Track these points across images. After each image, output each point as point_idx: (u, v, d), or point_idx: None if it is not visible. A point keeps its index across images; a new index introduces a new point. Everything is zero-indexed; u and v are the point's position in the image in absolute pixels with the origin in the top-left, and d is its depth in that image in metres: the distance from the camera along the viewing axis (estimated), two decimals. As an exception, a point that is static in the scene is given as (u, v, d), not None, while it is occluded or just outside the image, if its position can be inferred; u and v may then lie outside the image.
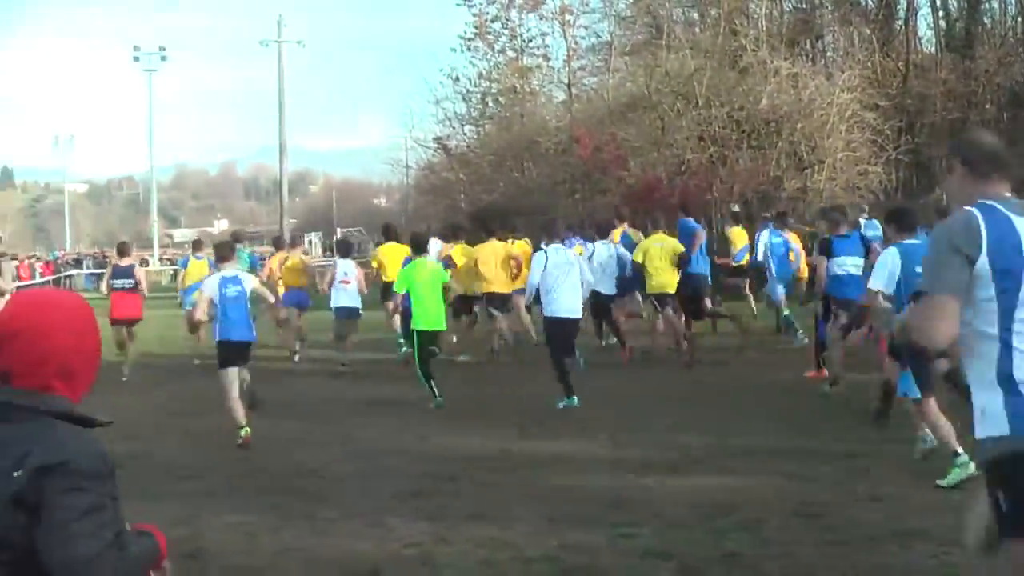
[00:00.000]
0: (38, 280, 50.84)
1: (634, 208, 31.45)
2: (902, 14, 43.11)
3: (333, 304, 20.14)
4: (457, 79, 55.06)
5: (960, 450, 9.27)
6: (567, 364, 15.34)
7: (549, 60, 53.85)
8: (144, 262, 64.12)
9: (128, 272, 20.10)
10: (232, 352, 13.24)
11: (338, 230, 66.27)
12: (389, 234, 22.14)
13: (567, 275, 15.36)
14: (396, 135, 66.98)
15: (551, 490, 10.04)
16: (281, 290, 20.74)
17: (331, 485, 10.69)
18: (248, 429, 12.84)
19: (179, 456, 12.08)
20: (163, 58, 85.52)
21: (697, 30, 44.51)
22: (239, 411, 12.96)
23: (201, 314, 13.53)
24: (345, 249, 22.04)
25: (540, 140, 46.42)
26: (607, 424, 13.22)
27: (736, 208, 30.29)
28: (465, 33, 53.37)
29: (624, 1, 48.95)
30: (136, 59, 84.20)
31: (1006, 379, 4.52)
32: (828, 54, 44.89)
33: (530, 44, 53.56)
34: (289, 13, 64.40)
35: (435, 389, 15.44)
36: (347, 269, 20.22)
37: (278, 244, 25.40)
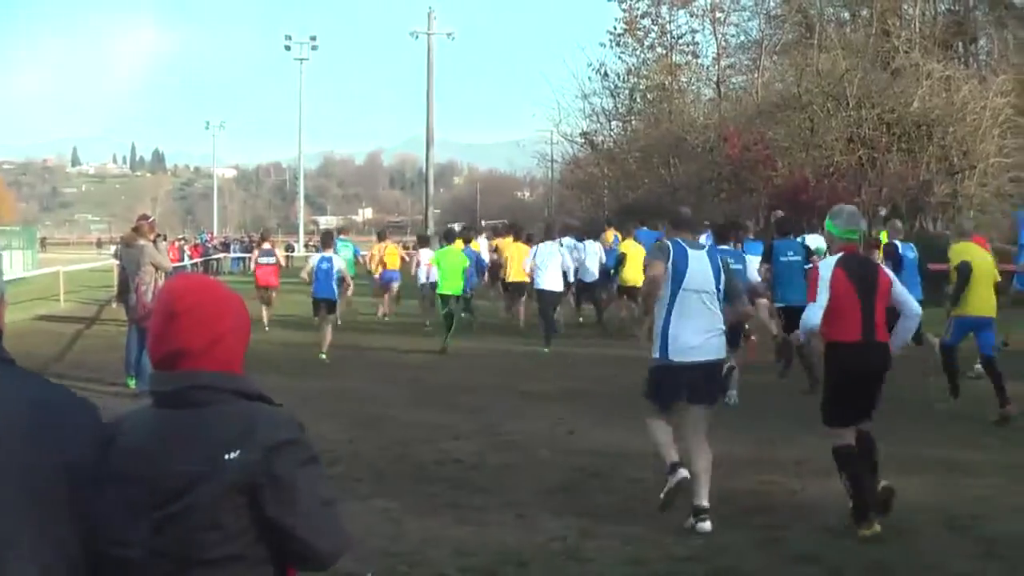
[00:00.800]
0: (187, 262, 51.84)
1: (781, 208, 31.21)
2: (1059, 17, 42.19)
3: (419, 281, 26.59)
4: (606, 74, 55.22)
5: None
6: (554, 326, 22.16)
7: (698, 57, 53.84)
8: (290, 247, 65.69)
9: (270, 252, 27.67)
10: (320, 305, 20.63)
11: (483, 222, 66.59)
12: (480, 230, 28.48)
13: (551, 261, 22.03)
14: (542, 129, 66.90)
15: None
16: (380, 270, 28.86)
17: (478, 475, 10.75)
18: (325, 355, 19.83)
19: (322, 440, 12.10)
20: (314, 48, 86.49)
21: (848, 30, 44.05)
22: (325, 340, 20.08)
23: (305, 275, 21.08)
24: (426, 241, 29.54)
25: (687, 138, 46.27)
26: (756, 426, 13.11)
27: (885, 212, 30.69)
28: (615, 28, 53.51)
29: (775, -1, 48.71)
30: (287, 48, 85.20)
31: (664, 332, 8.80)
32: (982, 57, 44.11)
33: (679, 41, 53.51)
34: (440, 5, 64.49)
35: (448, 337, 21.35)
36: (429, 256, 25.88)
37: (380, 236, 31.56)
